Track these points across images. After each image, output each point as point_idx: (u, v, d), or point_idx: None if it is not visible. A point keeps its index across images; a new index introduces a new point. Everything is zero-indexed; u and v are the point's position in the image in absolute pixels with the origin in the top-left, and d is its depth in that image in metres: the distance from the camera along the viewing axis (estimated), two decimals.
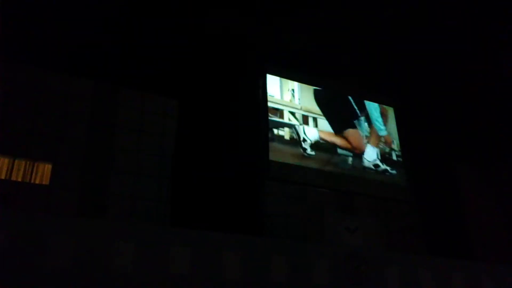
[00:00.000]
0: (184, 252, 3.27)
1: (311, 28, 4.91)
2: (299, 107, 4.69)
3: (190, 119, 4.33)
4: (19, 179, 3.62)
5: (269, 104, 4.50)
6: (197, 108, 4.39)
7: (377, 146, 4.92)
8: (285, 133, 4.49)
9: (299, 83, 4.84)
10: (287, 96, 4.70)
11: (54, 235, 2.94)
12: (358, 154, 4.78)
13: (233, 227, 3.79)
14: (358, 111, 5.02)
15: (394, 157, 4.99)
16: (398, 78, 5.53)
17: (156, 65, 4.35)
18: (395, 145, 5.06)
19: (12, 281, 2.73)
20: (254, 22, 4.78)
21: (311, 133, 4.57)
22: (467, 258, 4.97)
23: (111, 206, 3.83)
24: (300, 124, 4.57)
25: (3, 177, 3.56)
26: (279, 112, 4.55)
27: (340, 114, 4.93)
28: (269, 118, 4.44)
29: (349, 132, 4.83)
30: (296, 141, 4.50)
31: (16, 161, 3.65)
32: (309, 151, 4.50)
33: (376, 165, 4.81)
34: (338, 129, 4.77)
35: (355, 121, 4.95)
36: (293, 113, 4.62)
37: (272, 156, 4.29)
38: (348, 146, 4.75)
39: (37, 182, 3.67)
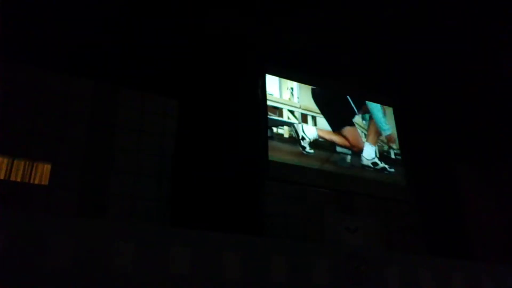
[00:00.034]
0: (184, 252, 3.27)
1: (311, 28, 4.91)
2: (298, 106, 4.70)
3: (190, 119, 4.33)
4: (18, 179, 3.62)
5: (268, 103, 4.51)
6: (197, 108, 4.39)
7: (375, 144, 4.93)
8: (284, 131, 4.49)
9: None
10: (286, 95, 4.71)
11: (54, 235, 2.94)
12: (357, 152, 4.78)
13: (233, 227, 3.79)
14: (355, 109, 5.02)
15: (393, 155, 4.99)
16: (398, 78, 5.54)
17: (156, 65, 4.35)
18: (394, 144, 5.06)
19: (12, 281, 2.73)
20: (254, 22, 4.78)
21: (309, 132, 4.58)
22: (467, 258, 4.97)
23: (111, 206, 3.83)
24: (299, 123, 4.58)
25: (2, 177, 3.56)
26: (278, 111, 4.55)
27: (337, 112, 4.94)
28: (269, 116, 4.44)
29: (347, 129, 4.84)
30: (295, 140, 4.50)
31: (16, 161, 3.65)
32: (308, 149, 4.50)
33: (375, 163, 4.82)
34: (336, 126, 4.77)
35: (353, 119, 4.95)
36: (292, 112, 4.62)
37: (272, 155, 4.30)
38: (347, 144, 4.75)
39: (36, 182, 3.67)
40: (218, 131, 4.38)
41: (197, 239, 3.37)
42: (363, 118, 5.03)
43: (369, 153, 4.84)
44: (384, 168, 4.84)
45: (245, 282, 3.39)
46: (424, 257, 4.52)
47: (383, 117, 5.16)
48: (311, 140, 4.55)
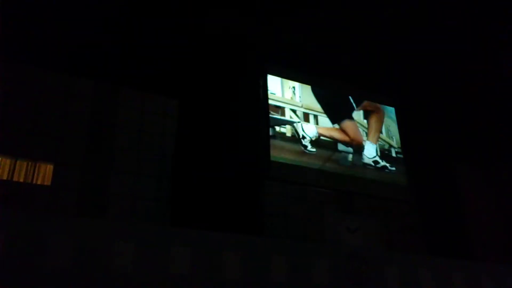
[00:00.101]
0: (184, 252, 3.27)
1: (311, 28, 4.91)
2: (300, 105, 4.70)
3: (190, 119, 4.33)
4: (21, 180, 3.62)
5: (271, 102, 4.51)
6: (197, 108, 4.39)
7: (376, 142, 4.93)
8: (287, 130, 4.49)
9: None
10: (288, 94, 4.71)
11: (54, 235, 2.94)
12: (358, 149, 4.78)
13: (233, 227, 3.79)
14: (354, 105, 5.02)
15: (394, 154, 4.99)
16: (398, 78, 5.54)
17: (156, 65, 4.35)
18: (395, 142, 5.06)
19: (12, 281, 2.72)
20: (254, 22, 4.78)
21: (309, 130, 4.58)
22: (467, 258, 4.97)
23: (111, 206, 3.83)
24: (298, 122, 4.58)
25: (5, 178, 3.56)
26: (280, 110, 4.55)
27: (337, 105, 4.95)
28: (271, 115, 4.44)
29: (346, 123, 4.84)
30: (297, 138, 4.51)
31: (18, 161, 3.65)
32: (309, 147, 4.50)
33: (376, 162, 4.82)
34: (335, 119, 4.78)
35: (352, 114, 4.95)
36: (294, 111, 4.63)
37: (274, 153, 4.29)
38: (347, 139, 4.75)
39: (39, 182, 3.67)
40: (218, 131, 4.38)
41: (197, 239, 3.37)
42: (364, 117, 5.03)
43: (370, 151, 4.85)
44: (385, 167, 4.85)
45: (245, 282, 3.39)
46: (424, 257, 4.52)
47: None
48: (312, 139, 4.55)
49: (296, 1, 4.62)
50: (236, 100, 4.59)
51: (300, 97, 4.75)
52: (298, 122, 4.58)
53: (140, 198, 3.95)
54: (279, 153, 4.34)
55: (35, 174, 3.68)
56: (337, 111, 4.89)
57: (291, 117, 4.58)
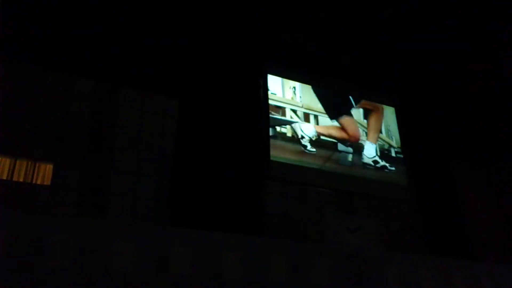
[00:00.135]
0: (184, 252, 3.27)
1: (311, 28, 4.91)
2: (300, 105, 4.70)
3: (190, 119, 4.34)
4: (21, 180, 3.62)
5: (271, 102, 4.51)
6: (197, 108, 4.39)
7: (375, 142, 4.93)
8: (287, 130, 4.50)
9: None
10: (289, 94, 4.71)
11: (54, 235, 2.94)
12: (357, 147, 4.78)
13: (233, 227, 3.79)
14: (353, 102, 5.02)
15: (393, 154, 4.99)
16: (398, 78, 5.54)
17: (156, 65, 4.35)
18: (394, 142, 5.06)
19: (12, 281, 2.73)
20: (254, 22, 4.78)
21: (308, 130, 4.58)
22: (467, 258, 4.97)
23: (111, 206, 3.83)
24: (296, 122, 4.58)
25: (5, 178, 3.56)
26: (281, 110, 4.55)
27: (336, 102, 4.95)
28: (271, 116, 4.45)
29: (345, 119, 4.84)
30: (297, 138, 4.51)
31: (18, 161, 3.65)
32: (309, 147, 4.51)
33: (375, 161, 4.82)
34: (333, 115, 4.77)
35: (351, 110, 4.96)
36: (294, 111, 4.63)
37: (275, 153, 4.30)
38: (345, 136, 4.76)
39: (38, 182, 3.67)
40: (218, 131, 4.38)
41: (197, 239, 3.37)
42: (364, 117, 5.03)
43: (370, 151, 4.85)
44: (384, 167, 4.85)
45: (245, 282, 3.39)
46: (424, 257, 4.52)
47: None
48: (311, 138, 4.56)
49: (296, 1, 4.62)
50: (236, 100, 4.59)
51: (300, 97, 4.75)
52: (296, 122, 4.58)
53: (140, 198, 3.95)
54: (279, 153, 4.34)
55: (35, 174, 3.68)
56: (336, 107, 4.89)
57: (291, 117, 4.58)
